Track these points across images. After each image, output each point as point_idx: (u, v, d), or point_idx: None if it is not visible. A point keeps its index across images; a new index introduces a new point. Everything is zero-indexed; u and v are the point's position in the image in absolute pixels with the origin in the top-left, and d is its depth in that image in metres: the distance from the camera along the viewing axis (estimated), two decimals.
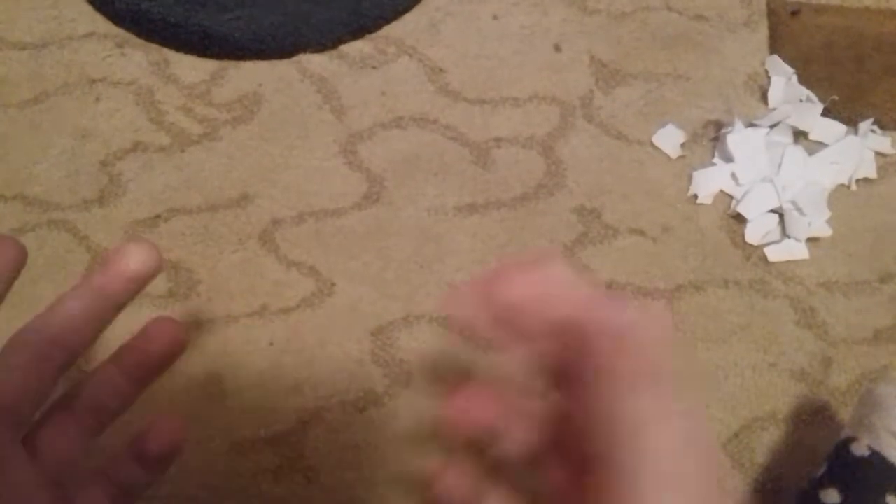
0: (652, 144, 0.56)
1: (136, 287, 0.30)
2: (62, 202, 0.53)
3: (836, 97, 0.56)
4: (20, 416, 0.27)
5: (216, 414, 0.47)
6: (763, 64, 0.59)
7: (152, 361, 0.30)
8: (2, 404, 0.26)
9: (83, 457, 0.30)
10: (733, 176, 0.54)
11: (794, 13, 0.60)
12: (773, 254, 0.52)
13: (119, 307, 0.29)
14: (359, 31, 0.60)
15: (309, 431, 0.47)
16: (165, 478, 0.32)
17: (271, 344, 0.49)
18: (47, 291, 0.51)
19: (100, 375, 0.30)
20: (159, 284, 0.51)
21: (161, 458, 0.30)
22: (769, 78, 0.58)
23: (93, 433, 0.30)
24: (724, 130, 0.55)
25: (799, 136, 0.56)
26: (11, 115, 0.56)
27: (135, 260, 0.29)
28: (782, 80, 0.57)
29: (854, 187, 0.54)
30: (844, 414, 0.48)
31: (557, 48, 0.59)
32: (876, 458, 0.39)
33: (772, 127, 0.55)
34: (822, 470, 0.41)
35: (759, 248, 0.53)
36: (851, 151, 0.55)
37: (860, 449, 0.39)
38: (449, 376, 0.25)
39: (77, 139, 0.55)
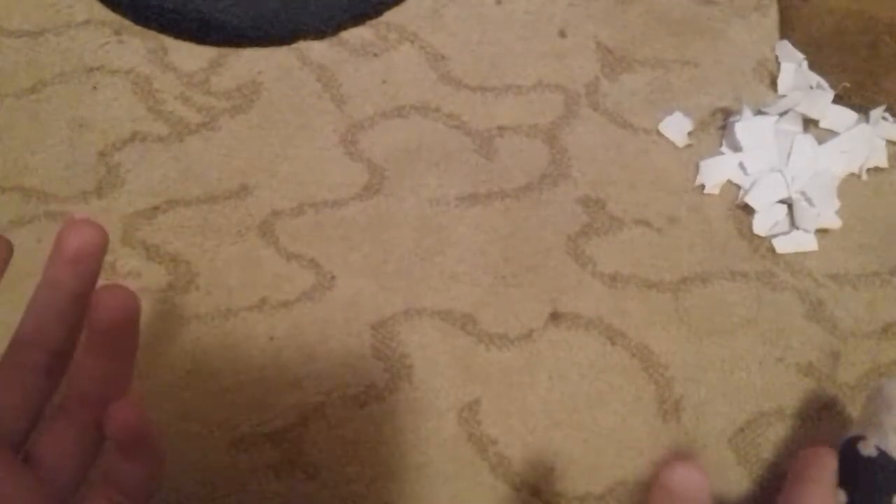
0: (658, 133, 0.55)
1: (83, 270, 0.28)
2: (60, 193, 0.53)
3: (847, 84, 0.55)
4: (6, 429, 0.26)
5: (215, 409, 0.47)
6: (773, 49, 0.57)
7: (113, 335, 0.27)
8: None
9: (86, 462, 0.28)
10: (741, 165, 0.53)
11: None
12: (781, 245, 0.51)
13: (77, 295, 0.28)
14: (360, 17, 0.59)
15: (309, 427, 0.47)
16: (164, 475, 0.31)
17: (271, 338, 0.49)
18: None
19: (78, 366, 0.28)
20: (158, 277, 0.50)
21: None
22: (779, 64, 0.57)
23: (93, 433, 0.28)
24: (732, 118, 0.54)
25: (809, 124, 0.54)
26: (8, 105, 0.56)
27: (70, 242, 0.27)
28: (792, 67, 0.56)
29: (865, 177, 0.53)
30: (853, 409, 0.47)
31: (562, 34, 0.58)
32: (884, 459, 0.38)
33: (781, 115, 0.54)
34: None
35: (767, 239, 0.52)
36: (862, 140, 0.53)
37: (868, 449, 0.39)
38: None
39: (74, 129, 0.55)
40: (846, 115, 0.54)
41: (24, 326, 0.28)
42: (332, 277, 0.50)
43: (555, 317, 0.50)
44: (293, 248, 0.51)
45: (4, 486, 0.25)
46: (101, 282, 0.28)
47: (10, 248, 0.28)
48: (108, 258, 0.51)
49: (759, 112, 0.54)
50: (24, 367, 0.27)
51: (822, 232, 0.52)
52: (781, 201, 0.52)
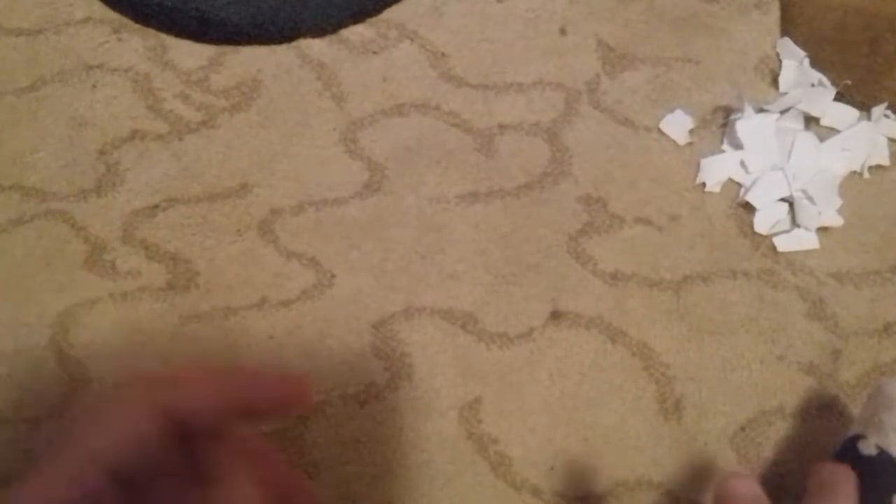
0: (659, 131, 0.55)
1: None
2: (59, 192, 0.53)
3: (848, 81, 0.55)
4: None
5: None
6: (774, 47, 0.57)
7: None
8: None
9: None
10: (742, 163, 0.53)
11: None
12: (782, 243, 0.51)
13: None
14: (360, 15, 0.58)
15: (310, 426, 0.47)
16: None
17: (271, 337, 0.49)
18: (45, 283, 0.51)
19: None
20: (158, 276, 0.50)
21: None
22: (780, 61, 0.56)
23: None
24: (733, 116, 0.54)
25: (810, 121, 0.54)
26: (8, 103, 0.55)
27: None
28: (794, 64, 0.56)
29: (866, 175, 0.53)
30: (853, 408, 0.47)
31: (563, 32, 0.58)
32: (884, 458, 0.38)
33: (782, 112, 0.54)
34: None
35: (768, 237, 0.52)
36: (864, 138, 0.53)
37: (868, 448, 0.39)
38: None
39: (74, 128, 0.55)
40: (848, 113, 0.54)
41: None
42: (332, 276, 0.50)
43: (555, 316, 0.50)
44: (293, 247, 0.51)
45: None
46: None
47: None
48: (108, 257, 0.51)
49: (760, 110, 0.54)
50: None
51: (823, 230, 0.52)
52: (783, 199, 0.52)
